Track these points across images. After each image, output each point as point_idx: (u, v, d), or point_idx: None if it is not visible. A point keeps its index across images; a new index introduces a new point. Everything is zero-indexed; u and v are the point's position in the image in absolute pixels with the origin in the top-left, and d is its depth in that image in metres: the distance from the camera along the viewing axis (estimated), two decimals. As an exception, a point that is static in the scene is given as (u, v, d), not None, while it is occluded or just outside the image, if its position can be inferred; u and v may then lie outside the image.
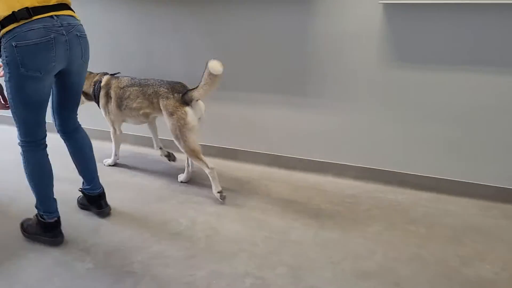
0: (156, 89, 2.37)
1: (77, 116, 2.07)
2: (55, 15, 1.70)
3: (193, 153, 2.31)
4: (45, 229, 1.97)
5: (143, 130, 2.90)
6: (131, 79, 2.49)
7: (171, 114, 2.29)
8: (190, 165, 2.52)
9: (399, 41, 2.14)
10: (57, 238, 1.99)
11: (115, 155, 2.75)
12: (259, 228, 2.10)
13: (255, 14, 2.32)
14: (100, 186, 2.20)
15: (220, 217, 2.20)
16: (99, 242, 2.03)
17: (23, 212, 2.14)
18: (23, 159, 1.86)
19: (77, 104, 2.03)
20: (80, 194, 2.26)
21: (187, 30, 2.53)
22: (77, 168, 2.15)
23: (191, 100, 2.27)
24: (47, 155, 1.91)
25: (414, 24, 2.09)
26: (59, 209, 1.99)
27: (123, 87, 2.48)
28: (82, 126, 2.10)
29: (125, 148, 3.00)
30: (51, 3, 1.71)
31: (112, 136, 2.68)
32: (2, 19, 1.62)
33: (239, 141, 2.69)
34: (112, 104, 2.53)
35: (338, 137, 2.45)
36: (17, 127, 1.81)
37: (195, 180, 2.54)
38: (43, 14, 1.66)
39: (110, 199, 2.25)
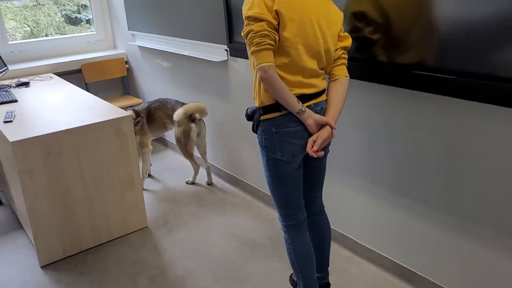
0: (173, 106, 3.26)
1: (322, 196, 2.01)
2: (313, 103, 1.71)
3: (188, 155, 3.26)
4: None
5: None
6: (148, 102, 3.38)
7: (179, 125, 3.16)
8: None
9: None
10: None
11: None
12: None
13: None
14: (328, 274, 2.12)
15: None
16: None
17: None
18: (286, 244, 1.89)
19: (321, 185, 1.98)
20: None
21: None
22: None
23: (195, 119, 3.13)
24: (308, 237, 1.92)
25: None
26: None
27: (146, 107, 3.32)
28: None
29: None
30: (314, 92, 1.70)
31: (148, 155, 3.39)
32: (266, 106, 1.68)
33: (419, 263, 2.14)
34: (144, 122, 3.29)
35: None
36: (278, 210, 1.86)
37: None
38: (304, 103, 1.68)
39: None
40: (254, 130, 1.77)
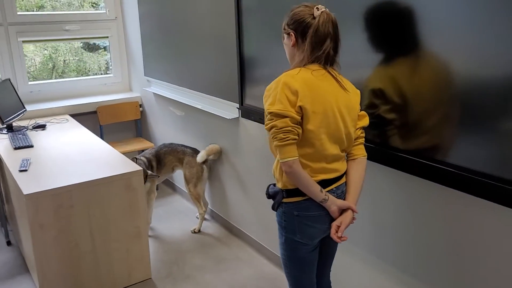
0: (183, 150, 3.42)
1: (330, 273, 2.02)
2: (335, 187, 1.72)
3: (197, 196, 3.37)
4: None
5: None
6: (152, 148, 3.47)
7: (192, 167, 3.33)
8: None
9: None
10: None
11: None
12: None
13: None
14: None
15: None
16: None
17: None
18: None
19: (331, 264, 1.99)
20: None
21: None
22: None
23: (206, 160, 3.33)
24: None
25: None
26: None
27: (155, 153, 3.40)
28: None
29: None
30: (336, 176, 1.71)
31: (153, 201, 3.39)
32: (289, 189, 1.69)
33: None
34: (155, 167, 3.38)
35: None
36: (290, 287, 1.87)
37: None
38: (326, 187, 1.68)
39: None
40: (275, 209, 1.77)
